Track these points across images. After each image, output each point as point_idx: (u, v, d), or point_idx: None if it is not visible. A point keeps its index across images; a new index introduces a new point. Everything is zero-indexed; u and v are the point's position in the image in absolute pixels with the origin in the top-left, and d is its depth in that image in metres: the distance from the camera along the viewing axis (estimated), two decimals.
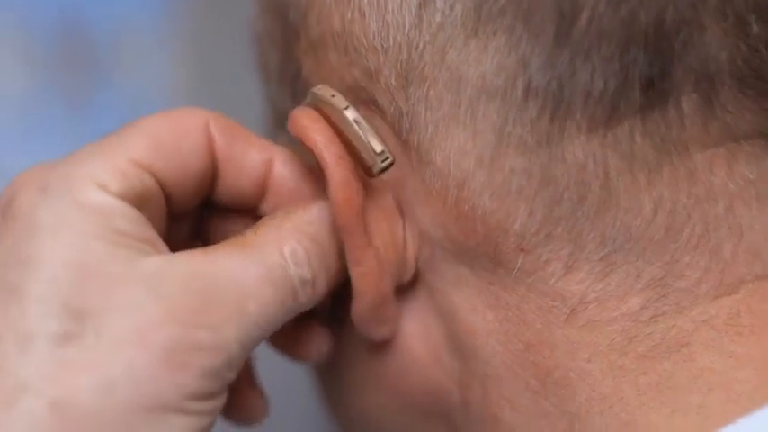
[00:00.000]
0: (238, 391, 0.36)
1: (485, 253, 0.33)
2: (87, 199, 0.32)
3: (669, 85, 0.31)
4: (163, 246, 0.33)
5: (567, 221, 0.31)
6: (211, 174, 0.35)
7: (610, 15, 0.30)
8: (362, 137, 0.32)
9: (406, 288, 0.35)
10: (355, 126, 0.32)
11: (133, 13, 0.75)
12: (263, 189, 0.36)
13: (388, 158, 0.32)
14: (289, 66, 0.36)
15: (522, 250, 0.32)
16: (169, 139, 0.34)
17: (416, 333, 0.35)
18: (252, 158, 0.35)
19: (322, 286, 0.34)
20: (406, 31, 0.32)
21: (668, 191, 0.31)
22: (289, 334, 0.36)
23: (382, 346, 0.36)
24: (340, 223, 0.33)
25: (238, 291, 0.32)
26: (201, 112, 0.34)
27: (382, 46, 0.32)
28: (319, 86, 0.33)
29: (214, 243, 0.35)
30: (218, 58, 0.72)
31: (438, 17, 0.31)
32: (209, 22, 0.74)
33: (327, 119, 0.33)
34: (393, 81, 0.32)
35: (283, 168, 0.35)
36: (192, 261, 0.32)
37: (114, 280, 0.31)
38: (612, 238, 0.31)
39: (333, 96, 0.33)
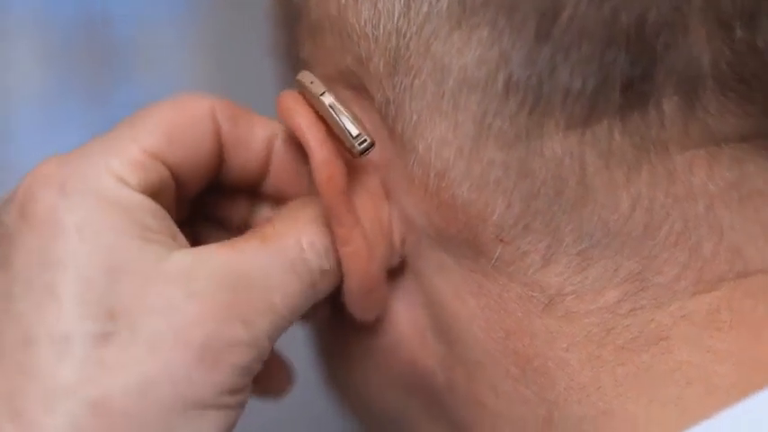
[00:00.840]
0: (265, 367, 0.36)
1: (466, 241, 0.33)
2: (110, 196, 0.32)
3: (650, 86, 0.31)
4: (182, 238, 0.33)
5: (544, 215, 0.32)
6: (218, 159, 0.35)
7: (592, 14, 0.30)
8: (338, 121, 0.33)
9: (394, 270, 0.36)
10: (331, 111, 0.33)
11: (153, 8, 0.75)
12: (266, 168, 0.36)
13: (365, 141, 0.33)
14: (292, 47, 0.37)
15: (501, 241, 0.32)
16: (178, 127, 0.34)
17: (404, 315, 0.36)
18: (256, 138, 0.35)
19: (339, 275, 0.34)
20: (395, 19, 0.32)
21: (646, 189, 0.31)
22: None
23: (372, 325, 0.36)
24: (325, 203, 0.34)
25: (266, 284, 0.32)
26: (206, 98, 0.35)
27: (373, 33, 0.33)
28: (301, 73, 0.34)
29: (216, 226, 0.36)
30: (238, 56, 0.72)
31: (425, 7, 0.32)
32: (230, 19, 0.74)
33: (311, 104, 0.34)
34: (381, 69, 0.33)
35: (282, 146, 0.36)
36: (221, 256, 0.32)
37: (147, 278, 0.31)
38: (590, 233, 0.32)
39: (311, 83, 0.34)
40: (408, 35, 0.32)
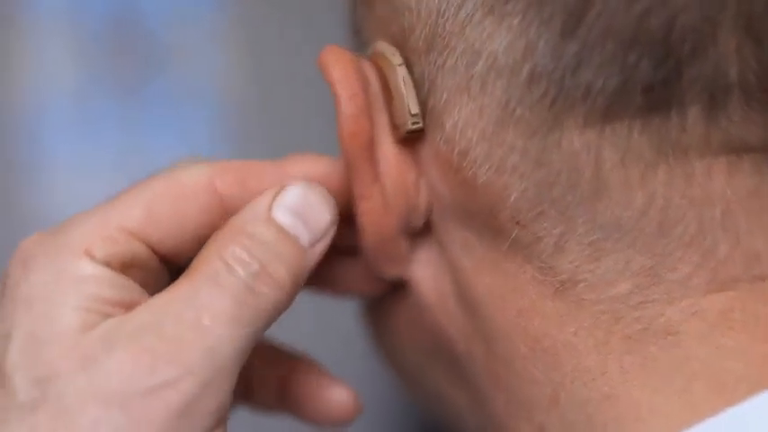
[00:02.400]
0: (309, 392, 0.37)
1: (485, 220, 0.34)
2: (65, 268, 0.33)
3: (673, 91, 0.31)
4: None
5: (558, 204, 0.32)
6: (220, 225, 0.35)
7: (620, 14, 0.30)
8: (404, 95, 0.34)
9: (421, 234, 0.36)
10: (401, 83, 0.34)
11: (184, 3, 0.75)
12: None
13: (418, 123, 0.34)
14: (352, 13, 0.38)
15: (517, 223, 0.33)
16: (165, 205, 0.35)
17: (429, 280, 0.36)
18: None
19: (283, 272, 0.34)
20: None
21: (662, 189, 0.32)
22: (325, 274, 0.37)
23: (402, 287, 0.37)
24: (346, 157, 0.34)
25: (190, 311, 0.32)
26: (205, 169, 0.35)
27: (417, 7, 0.33)
28: (383, 42, 0.35)
29: None
30: (271, 50, 0.73)
31: None
32: (264, 13, 0.75)
33: (382, 73, 0.35)
34: (420, 43, 0.34)
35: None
36: (145, 307, 0.33)
37: (75, 344, 0.32)
38: (603, 225, 0.32)
39: (393, 54, 0.35)
40: (446, 15, 0.33)
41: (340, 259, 0.39)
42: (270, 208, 0.34)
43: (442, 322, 0.36)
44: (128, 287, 0.33)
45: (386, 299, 0.38)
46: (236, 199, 0.36)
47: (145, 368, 0.31)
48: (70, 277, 0.33)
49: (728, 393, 0.31)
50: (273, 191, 0.35)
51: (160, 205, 0.34)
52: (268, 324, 0.33)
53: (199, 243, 0.35)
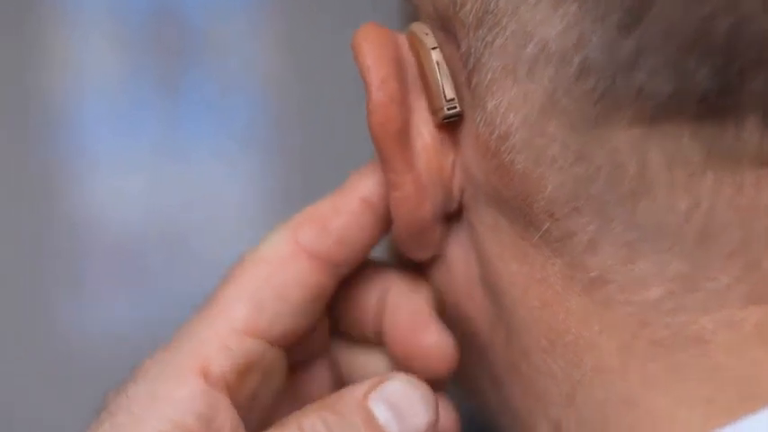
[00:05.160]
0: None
1: (518, 208, 0.33)
2: (162, 387, 0.33)
3: (731, 101, 0.30)
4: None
5: (596, 201, 0.31)
6: (329, 277, 0.36)
7: (682, 16, 0.29)
8: (439, 79, 0.33)
9: (456, 216, 0.36)
10: (435, 67, 0.33)
11: None
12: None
13: (455, 108, 0.33)
14: None
15: (550, 216, 0.32)
16: (264, 291, 0.35)
17: (459, 261, 0.36)
18: (351, 227, 0.36)
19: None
20: None
21: (708, 196, 0.30)
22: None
23: (433, 261, 0.37)
24: (376, 145, 0.34)
25: None
26: (283, 235, 0.36)
27: None
28: (418, 23, 0.35)
29: (344, 374, 0.38)
30: (310, 44, 0.73)
31: None
32: (302, 7, 0.75)
33: (417, 54, 0.34)
34: (470, 18, 0.32)
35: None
36: None
37: None
38: (641, 227, 0.31)
39: (426, 34, 0.34)
40: None
41: None
42: (366, 395, 0.34)
43: (467, 304, 0.36)
44: (215, 421, 0.33)
45: (417, 266, 0.38)
46: (326, 250, 0.35)
47: None
48: (164, 398, 0.33)
49: (758, 405, 0.30)
50: (375, 380, 0.34)
51: (260, 293, 0.35)
52: None
53: (310, 309, 0.35)
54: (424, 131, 0.34)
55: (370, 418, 0.34)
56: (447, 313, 0.37)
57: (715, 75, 0.29)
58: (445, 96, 0.33)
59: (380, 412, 0.34)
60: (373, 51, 0.34)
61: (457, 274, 0.36)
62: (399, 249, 0.36)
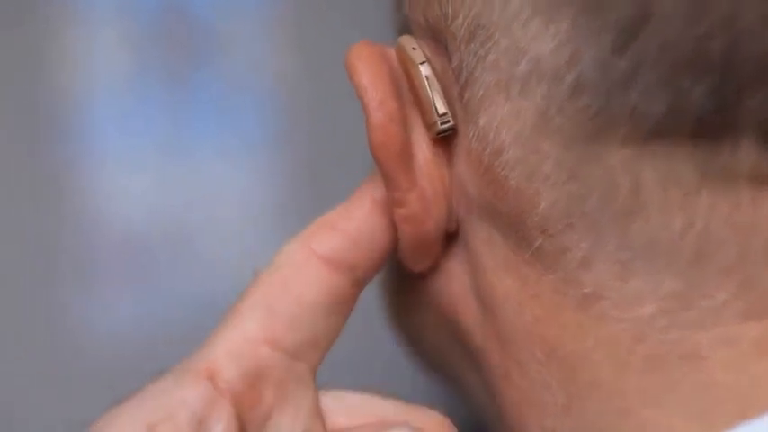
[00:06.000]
0: None
1: (512, 223, 0.33)
2: (174, 386, 0.34)
3: (727, 120, 0.30)
4: None
5: (590, 218, 0.31)
6: (348, 283, 0.36)
7: (678, 35, 0.29)
8: (429, 94, 0.33)
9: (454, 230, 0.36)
10: (426, 83, 0.33)
11: None
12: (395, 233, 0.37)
13: (448, 122, 0.33)
14: None
15: (544, 232, 0.32)
16: (279, 298, 0.35)
17: (455, 273, 0.36)
18: (367, 228, 0.37)
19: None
20: None
21: (703, 214, 0.31)
22: None
23: (431, 272, 0.37)
24: (378, 166, 0.34)
25: None
26: (297, 243, 0.36)
27: None
28: (406, 36, 0.34)
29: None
30: (319, 44, 0.72)
31: None
32: (312, 7, 0.74)
33: (407, 68, 0.34)
34: (462, 32, 0.33)
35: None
36: None
37: None
38: (634, 246, 0.31)
39: (413, 49, 0.34)
40: (494, 5, 0.32)
41: None
42: None
43: (463, 315, 0.36)
44: (207, 424, 0.33)
45: (410, 278, 0.38)
46: (342, 251, 0.35)
47: None
48: (164, 393, 0.33)
49: (754, 415, 0.30)
50: (379, 425, 0.34)
51: (274, 302, 0.35)
52: None
53: (328, 319, 0.35)
54: (424, 146, 0.34)
55: None
56: (443, 322, 0.37)
57: (711, 94, 0.29)
58: (437, 111, 0.33)
59: None
60: (369, 71, 0.34)
61: (453, 285, 0.36)
62: (399, 260, 0.36)
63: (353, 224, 0.35)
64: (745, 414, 0.30)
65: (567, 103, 0.31)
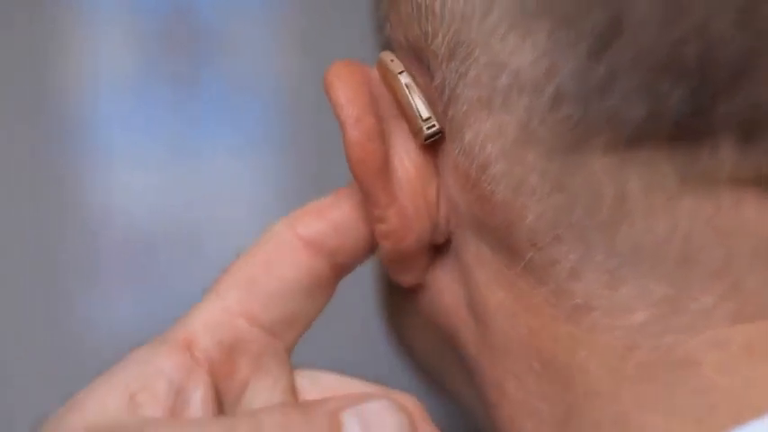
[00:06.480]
0: None
1: (502, 237, 0.33)
2: (153, 355, 0.34)
3: (705, 122, 0.30)
4: (195, 409, 0.34)
5: (577, 229, 0.31)
6: (329, 268, 0.36)
7: (652, 41, 0.29)
8: (411, 102, 0.33)
9: (443, 243, 0.36)
10: (406, 90, 0.33)
11: None
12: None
13: (434, 126, 0.33)
14: (376, 9, 0.37)
15: (533, 245, 0.32)
16: (260, 274, 0.35)
17: (447, 286, 0.36)
18: (349, 218, 0.36)
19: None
20: (462, 1, 0.32)
21: (687, 218, 0.31)
22: None
23: (423, 285, 0.37)
24: (358, 183, 0.34)
25: None
26: (284, 226, 0.36)
27: (441, 11, 0.32)
28: (385, 51, 0.35)
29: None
30: (325, 43, 0.72)
31: None
32: (317, 7, 0.75)
33: (388, 82, 0.34)
34: (443, 50, 0.33)
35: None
36: (152, 422, 0.33)
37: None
38: (622, 253, 0.31)
39: (392, 61, 0.35)
40: (472, 23, 0.32)
41: None
42: (343, 408, 0.34)
43: (457, 327, 0.36)
44: (184, 392, 0.33)
45: (405, 290, 0.38)
46: (325, 235, 0.35)
47: None
48: (143, 362, 0.33)
49: (749, 418, 0.30)
50: (355, 397, 0.34)
51: (254, 277, 0.35)
52: None
53: (306, 301, 0.35)
54: (407, 162, 0.35)
55: (335, 429, 0.33)
56: (436, 333, 0.37)
57: (689, 97, 0.29)
58: (421, 116, 0.33)
59: (350, 428, 0.33)
60: (346, 89, 0.34)
61: (445, 297, 0.36)
62: (388, 272, 0.37)
63: (339, 213, 0.35)
64: (741, 416, 0.30)
65: (548, 114, 0.31)
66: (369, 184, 0.34)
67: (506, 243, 0.33)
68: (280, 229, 0.35)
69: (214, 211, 0.77)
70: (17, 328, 0.72)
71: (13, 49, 0.73)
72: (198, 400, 0.33)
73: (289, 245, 0.35)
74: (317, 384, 0.36)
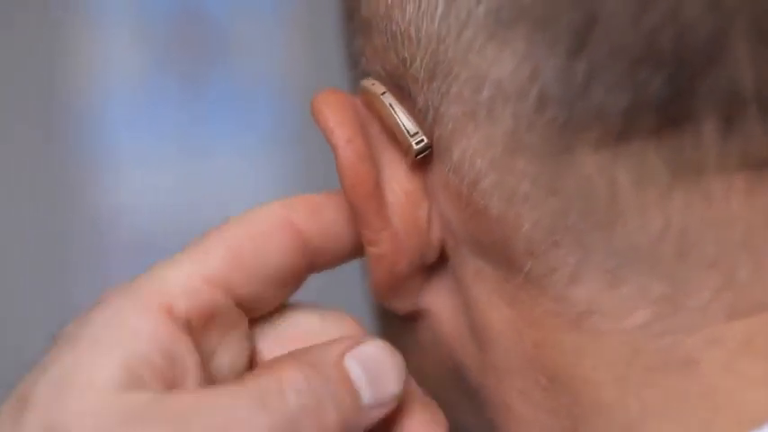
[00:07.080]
0: None
1: (500, 252, 0.33)
2: (129, 317, 0.32)
3: (687, 107, 0.30)
4: (193, 378, 0.33)
5: (573, 232, 0.31)
6: (305, 263, 0.35)
7: (627, 32, 0.29)
8: (397, 119, 0.33)
9: (437, 265, 0.35)
10: (390, 109, 0.33)
11: None
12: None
13: (423, 140, 0.33)
14: (350, 44, 0.37)
15: (531, 254, 0.32)
16: (245, 249, 0.34)
17: (445, 311, 0.36)
18: (343, 220, 0.36)
19: (333, 417, 0.33)
20: (437, 22, 0.32)
21: (680, 211, 0.30)
22: None
23: (419, 315, 0.36)
24: (351, 207, 0.34)
25: (221, 419, 0.31)
26: (279, 206, 0.35)
27: (416, 35, 0.32)
28: (364, 79, 0.34)
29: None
30: (333, 43, 0.73)
31: (464, 14, 0.31)
32: (325, 6, 0.75)
33: (373, 107, 0.34)
34: (422, 72, 0.32)
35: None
36: (179, 399, 0.32)
37: (97, 409, 0.31)
38: (619, 253, 0.31)
39: (372, 84, 0.34)
40: (447, 41, 0.32)
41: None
42: (343, 354, 0.33)
43: (458, 353, 0.36)
44: (180, 361, 0.32)
45: (405, 323, 0.37)
46: (314, 232, 0.35)
47: None
48: (129, 328, 0.32)
49: (753, 425, 0.30)
50: (351, 341, 0.34)
51: (241, 250, 0.34)
52: None
53: (279, 287, 0.35)
54: (396, 186, 0.34)
55: (345, 377, 0.33)
56: (438, 364, 0.37)
57: (667, 82, 0.29)
58: (408, 132, 0.33)
59: (355, 372, 0.33)
60: (335, 114, 0.34)
61: (445, 325, 0.36)
62: (376, 299, 0.36)
63: (331, 216, 0.35)
64: (742, 423, 0.30)
65: (534, 117, 0.30)
66: (362, 209, 0.34)
67: (504, 256, 0.32)
68: (275, 210, 0.35)
69: (224, 209, 0.76)
70: (24, 326, 0.73)
71: (23, 50, 0.73)
72: (193, 369, 0.33)
73: (280, 229, 0.35)
74: (273, 336, 0.36)
